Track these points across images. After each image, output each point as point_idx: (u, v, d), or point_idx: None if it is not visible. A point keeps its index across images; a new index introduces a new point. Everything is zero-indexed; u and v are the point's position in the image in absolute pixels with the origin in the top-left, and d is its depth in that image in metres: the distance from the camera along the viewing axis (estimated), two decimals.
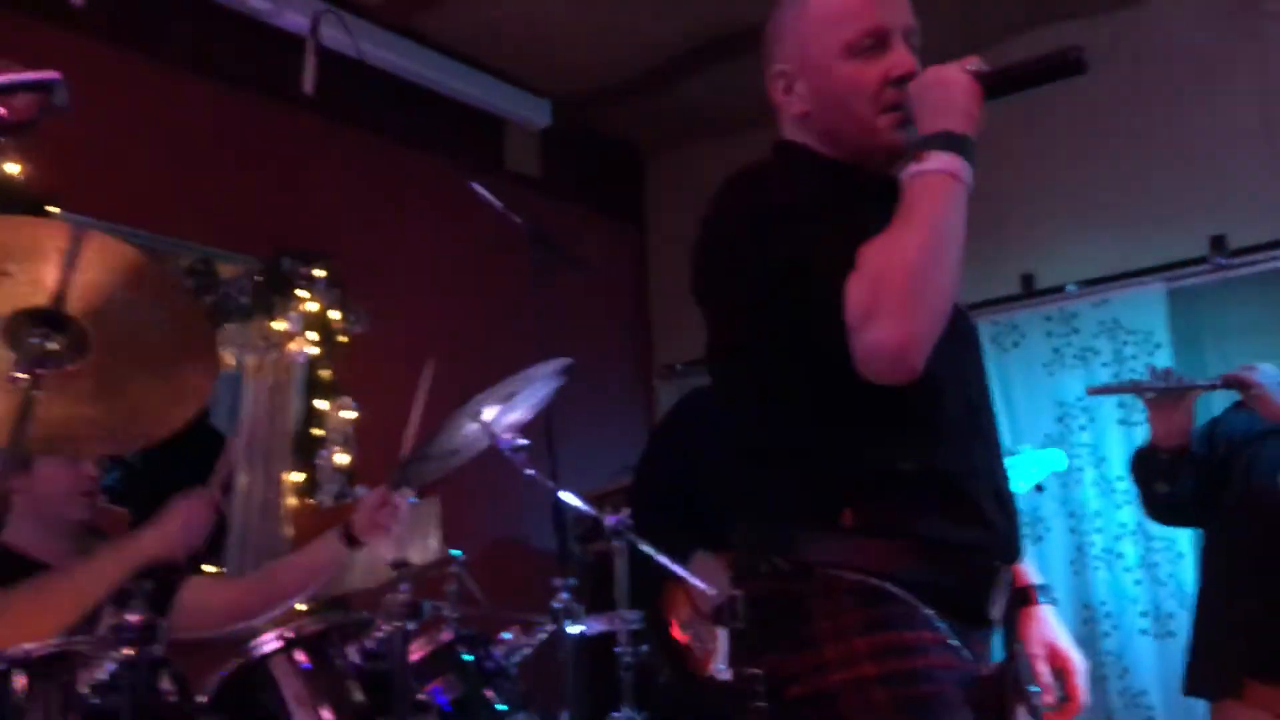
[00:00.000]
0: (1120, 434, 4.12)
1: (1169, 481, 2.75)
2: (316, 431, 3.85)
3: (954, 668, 1.38)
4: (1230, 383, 2.66)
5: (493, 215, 2.99)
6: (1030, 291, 4.42)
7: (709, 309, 1.54)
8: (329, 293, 3.91)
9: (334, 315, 3.91)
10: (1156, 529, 3.84)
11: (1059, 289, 4.35)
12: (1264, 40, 4.06)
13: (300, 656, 2.12)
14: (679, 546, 2.93)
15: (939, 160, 1.37)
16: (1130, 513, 4.04)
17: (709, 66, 4.67)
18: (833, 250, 1.35)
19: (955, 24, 2.90)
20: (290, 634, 2.12)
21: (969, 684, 1.38)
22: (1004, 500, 1.49)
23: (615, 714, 2.69)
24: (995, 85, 1.42)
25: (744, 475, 1.52)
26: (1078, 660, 1.60)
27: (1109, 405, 4.14)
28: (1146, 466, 2.80)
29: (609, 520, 2.76)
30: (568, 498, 2.80)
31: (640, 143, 5.52)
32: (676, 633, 3.24)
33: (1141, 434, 3.97)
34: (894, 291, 1.30)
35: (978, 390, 1.55)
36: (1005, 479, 1.53)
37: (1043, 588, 1.66)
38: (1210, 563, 2.86)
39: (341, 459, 3.88)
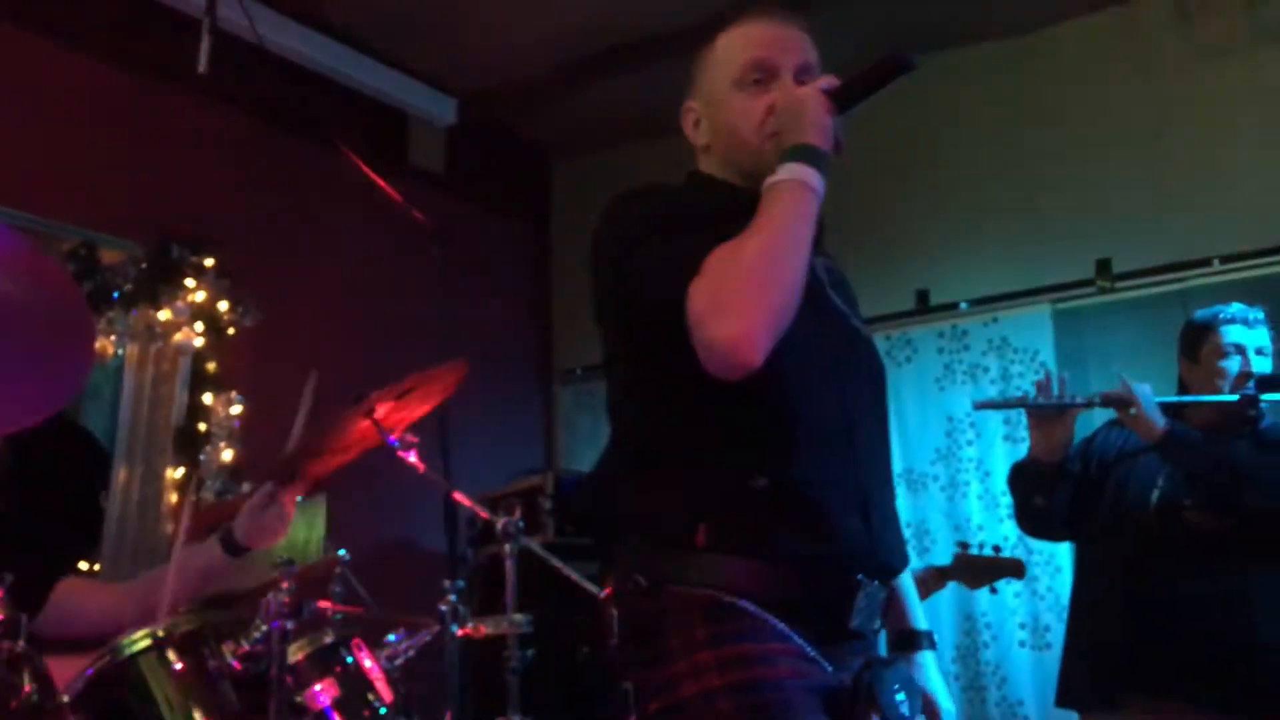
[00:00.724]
0: (1005, 449, 4.22)
1: (1045, 495, 2.81)
2: (201, 426, 3.74)
3: (805, 677, 1.41)
4: (1108, 401, 2.73)
5: (394, 211, 2.94)
6: (924, 308, 4.51)
7: (598, 320, 1.61)
8: (218, 283, 3.79)
9: (223, 306, 3.80)
10: (1036, 543, 3.95)
11: (952, 306, 4.45)
12: (1151, 72, 4.22)
13: (172, 656, 2.04)
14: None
15: (790, 170, 1.47)
16: (1012, 526, 4.13)
17: (619, 71, 4.67)
18: (696, 260, 1.43)
19: (864, 52, 2.94)
20: (161, 633, 2.04)
21: (826, 694, 1.42)
22: (871, 513, 1.51)
23: (500, 719, 2.66)
24: (842, 97, 1.52)
25: (615, 490, 1.58)
26: (947, 710, 1.65)
27: (995, 421, 4.25)
28: (1024, 480, 2.86)
29: (501, 523, 2.72)
30: (460, 499, 2.76)
31: (548, 144, 5.50)
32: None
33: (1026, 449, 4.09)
34: (730, 290, 1.38)
35: (860, 402, 1.59)
36: (880, 492, 1.57)
37: (926, 634, 1.70)
38: (1083, 578, 2.95)
39: (227, 455, 3.77)
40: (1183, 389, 2.83)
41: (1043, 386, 2.79)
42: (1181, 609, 2.59)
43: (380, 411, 2.50)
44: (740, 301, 1.38)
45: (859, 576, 1.48)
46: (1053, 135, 4.35)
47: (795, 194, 1.46)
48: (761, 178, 1.54)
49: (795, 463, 1.47)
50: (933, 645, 1.70)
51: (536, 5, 4.25)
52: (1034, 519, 2.90)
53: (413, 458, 2.50)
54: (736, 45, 1.65)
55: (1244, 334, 2.74)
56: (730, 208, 1.53)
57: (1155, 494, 2.70)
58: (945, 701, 1.65)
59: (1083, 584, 2.92)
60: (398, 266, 4.28)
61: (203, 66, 2.73)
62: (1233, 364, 2.71)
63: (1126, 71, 4.26)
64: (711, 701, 1.38)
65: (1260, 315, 2.77)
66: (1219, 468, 2.62)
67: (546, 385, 5.43)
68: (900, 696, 1.45)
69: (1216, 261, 3.97)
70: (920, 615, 1.72)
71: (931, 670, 1.68)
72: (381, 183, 2.75)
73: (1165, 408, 2.70)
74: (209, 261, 3.79)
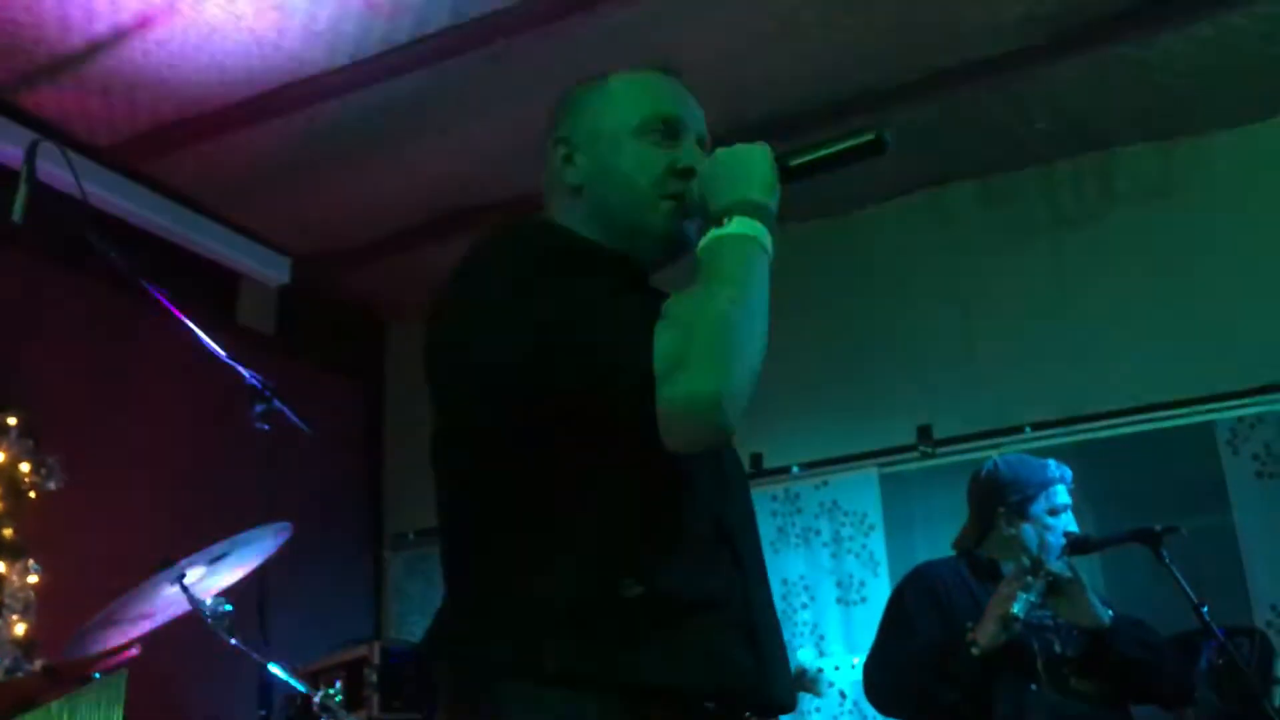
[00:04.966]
0: (839, 611, 4.26)
1: (966, 691, 2.59)
2: None
3: None
4: (1054, 586, 2.61)
5: (220, 371, 2.84)
6: (759, 470, 4.58)
7: (441, 387, 1.39)
8: (20, 443, 3.56)
9: (24, 468, 3.56)
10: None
11: (785, 469, 4.53)
12: (961, 250, 4.50)
13: None
14: None
15: (741, 224, 1.31)
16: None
17: (455, 235, 4.71)
18: (611, 313, 1.25)
19: None
20: None
21: None
22: (760, 639, 1.32)
23: None
24: (798, 163, 1.41)
25: (447, 602, 1.36)
26: None
27: (829, 584, 4.30)
28: (941, 672, 2.61)
29: (317, 697, 2.56)
30: (277, 672, 2.59)
31: (382, 306, 5.46)
32: None
33: (860, 613, 4.14)
34: (706, 341, 1.19)
35: (739, 510, 1.43)
36: (766, 614, 1.38)
37: None
38: None
39: (19, 629, 3.47)
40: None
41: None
42: None
43: (191, 577, 2.37)
44: (718, 355, 1.19)
45: (746, 715, 1.30)
46: (876, 306, 4.57)
47: (753, 252, 1.30)
48: (638, 233, 1.44)
49: (675, 570, 1.26)
50: None
51: (374, 171, 4.28)
52: (942, 715, 2.65)
53: (225, 626, 2.35)
54: (642, 93, 1.51)
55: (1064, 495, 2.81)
56: (614, 275, 1.36)
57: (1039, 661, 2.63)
58: None
59: None
60: (220, 428, 4.10)
61: (17, 216, 2.62)
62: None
63: (939, 249, 4.54)
64: None
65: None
66: (1158, 655, 2.63)
67: (376, 551, 5.24)
68: None
69: (1028, 429, 4.18)
70: None
71: None
72: (203, 336, 2.66)
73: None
74: (11, 420, 3.57)
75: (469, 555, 1.34)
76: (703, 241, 1.34)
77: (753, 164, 1.37)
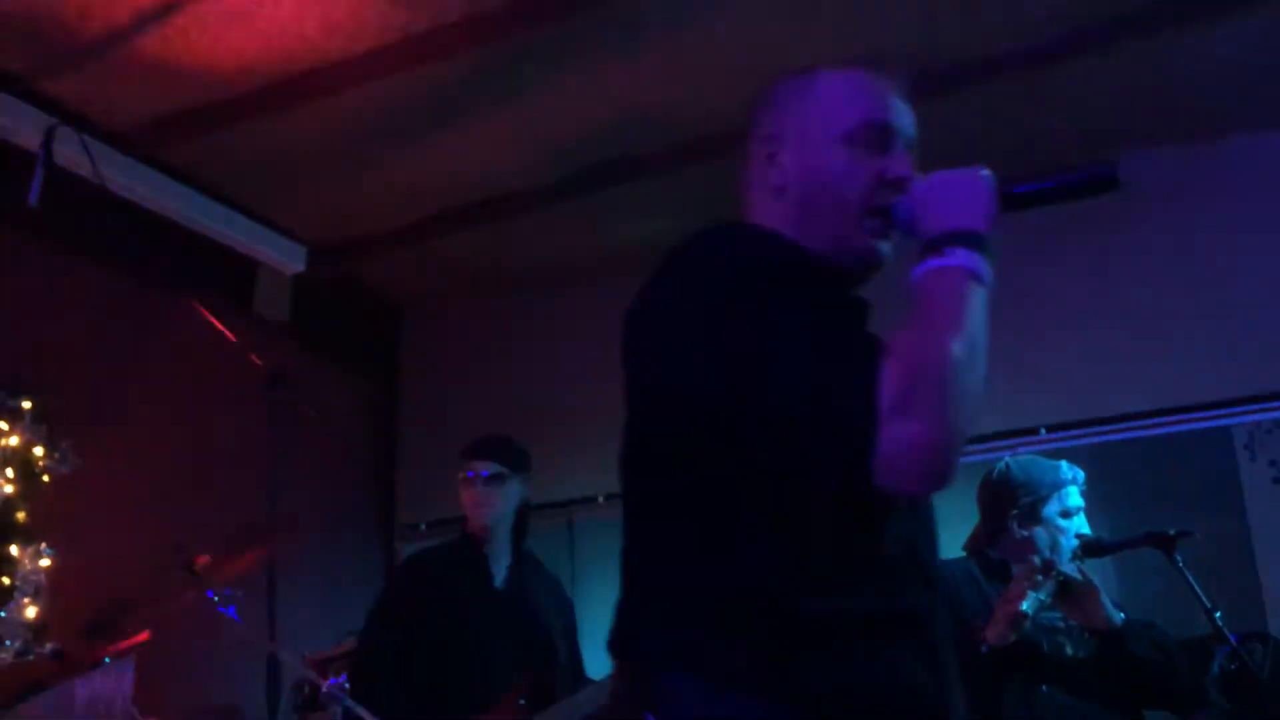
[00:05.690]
0: None
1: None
2: (4, 580, 3.45)
3: None
4: (1067, 587, 2.59)
5: (236, 359, 2.84)
6: None
7: (642, 383, 1.36)
8: (34, 428, 3.58)
9: (38, 453, 3.57)
10: None
11: None
12: None
13: None
14: (397, 707, 2.76)
15: (963, 257, 1.25)
16: None
17: (471, 227, 4.71)
18: (829, 339, 1.21)
19: None
20: None
21: None
22: (940, 661, 1.30)
23: None
24: (1022, 195, 1.35)
25: (629, 598, 1.33)
26: None
27: None
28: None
29: (326, 685, 2.57)
30: (286, 659, 2.60)
31: (397, 296, 5.46)
32: None
33: None
34: (935, 383, 1.15)
35: (926, 536, 1.40)
36: (945, 647, 1.33)
37: None
38: None
39: (30, 611, 3.48)
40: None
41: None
42: None
43: (202, 563, 2.37)
44: (945, 400, 1.14)
45: None
46: (889, 306, 4.54)
47: (975, 289, 1.24)
48: (838, 247, 1.39)
49: (867, 588, 1.25)
50: None
51: (392, 161, 4.28)
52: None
53: (233, 613, 2.36)
54: (856, 95, 1.43)
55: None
56: (823, 281, 1.31)
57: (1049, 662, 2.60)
58: None
59: None
60: (234, 415, 4.12)
61: (33, 200, 2.63)
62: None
63: None
64: None
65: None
66: (1171, 658, 2.61)
67: (387, 540, 5.25)
68: None
69: (1043, 430, 4.15)
70: None
71: None
72: (218, 324, 2.67)
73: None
74: (26, 404, 3.58)
75: (656, 551, 1.32)
76: (922, 269, 1.28)
77: (976, 192, 1.31)
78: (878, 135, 1.41)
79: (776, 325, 1.21)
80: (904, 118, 1.45)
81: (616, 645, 1.34)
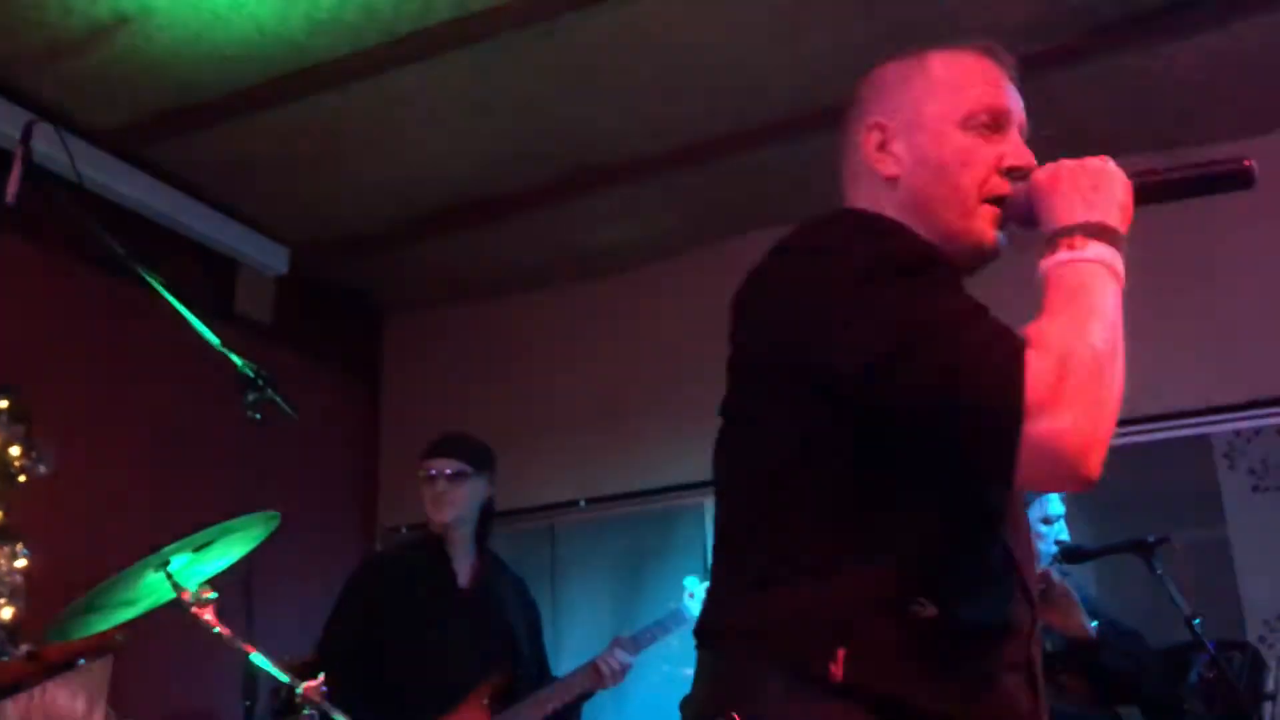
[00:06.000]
0: None
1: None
2: None
3: None
4: (1045, 596, 2.66)
5: (215, 359, 2.82)
6: None
7: (756, 368, 1.29)
8: (11, 428, 3.54)
9: (14, 453, 3.54)
10: None
11: None
12: None
13: None
14: (359, 710, 2.73)
15: (1099, 250, 1.19)
16: None
17: (454, 229, 4.69)
18: (970, 326, 1.14)
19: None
20: None
21: None
22: (1035, 674, 1.25)
23: None
24: (1160, 187, 1.29)
25: (724, 589, 1.28)
26: None
27: None
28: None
29: (304, 689, 2.54)
30: (262, 662, 2.57)
31: (379, 299, 5.45)
32: None
33: None
34: (1082, 381, 1.08)
35: (1024, 546, 1.33)
36: (1041, 652, 1.29)
37: None
38: None
39: (6, 613, 3.45)
40: None
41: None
42: None
43: (176, 564, 2.35)
44: (1095, 396, 1.08)
45: None
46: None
47: (1112, 285, 1.17)
48: (954, 236, 1.33)
49: (973, 597, 1.19)
50: None
51: (374, 162, 4.27)
52: None
53: (209, 615, 2.33)
54: (971, 78, 1.38)
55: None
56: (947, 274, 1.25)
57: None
58: None
59: None
60: (213, 416, 4.09)
61: (10, 198, 2.60)
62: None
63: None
64: None
65: None
66: (1142, 668, 2.63)
67: (369, 543, 5.22)
68: None
69: None
70: None
71: None
72: (197, 322, 2.65)
73: None
74: (2, 404, 3.55)
75: (761, 540, 1.25)
76: (1055, 259, 1.21)
77: (1111, 184, 1.25)
78: (994, 119, 1.37)
79: (920, 314, 1.15)
80: (1017, 101, 1.40)
81: (706, 633, 1.28)
